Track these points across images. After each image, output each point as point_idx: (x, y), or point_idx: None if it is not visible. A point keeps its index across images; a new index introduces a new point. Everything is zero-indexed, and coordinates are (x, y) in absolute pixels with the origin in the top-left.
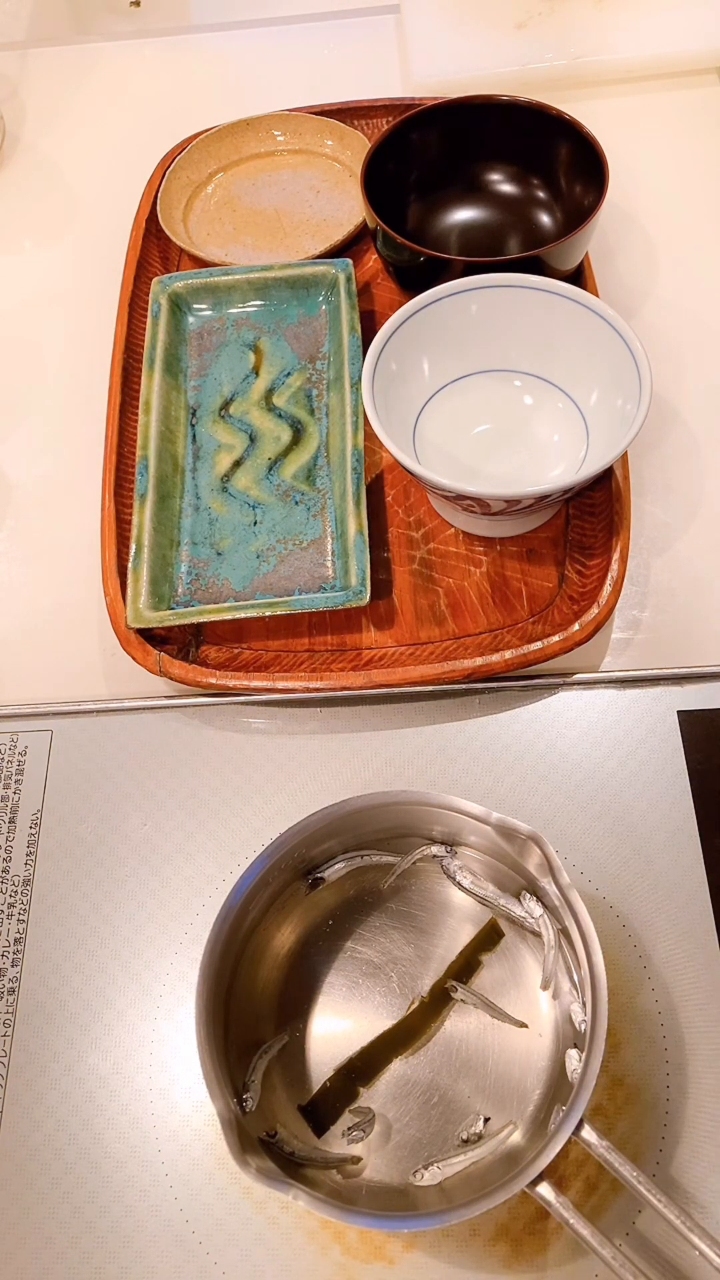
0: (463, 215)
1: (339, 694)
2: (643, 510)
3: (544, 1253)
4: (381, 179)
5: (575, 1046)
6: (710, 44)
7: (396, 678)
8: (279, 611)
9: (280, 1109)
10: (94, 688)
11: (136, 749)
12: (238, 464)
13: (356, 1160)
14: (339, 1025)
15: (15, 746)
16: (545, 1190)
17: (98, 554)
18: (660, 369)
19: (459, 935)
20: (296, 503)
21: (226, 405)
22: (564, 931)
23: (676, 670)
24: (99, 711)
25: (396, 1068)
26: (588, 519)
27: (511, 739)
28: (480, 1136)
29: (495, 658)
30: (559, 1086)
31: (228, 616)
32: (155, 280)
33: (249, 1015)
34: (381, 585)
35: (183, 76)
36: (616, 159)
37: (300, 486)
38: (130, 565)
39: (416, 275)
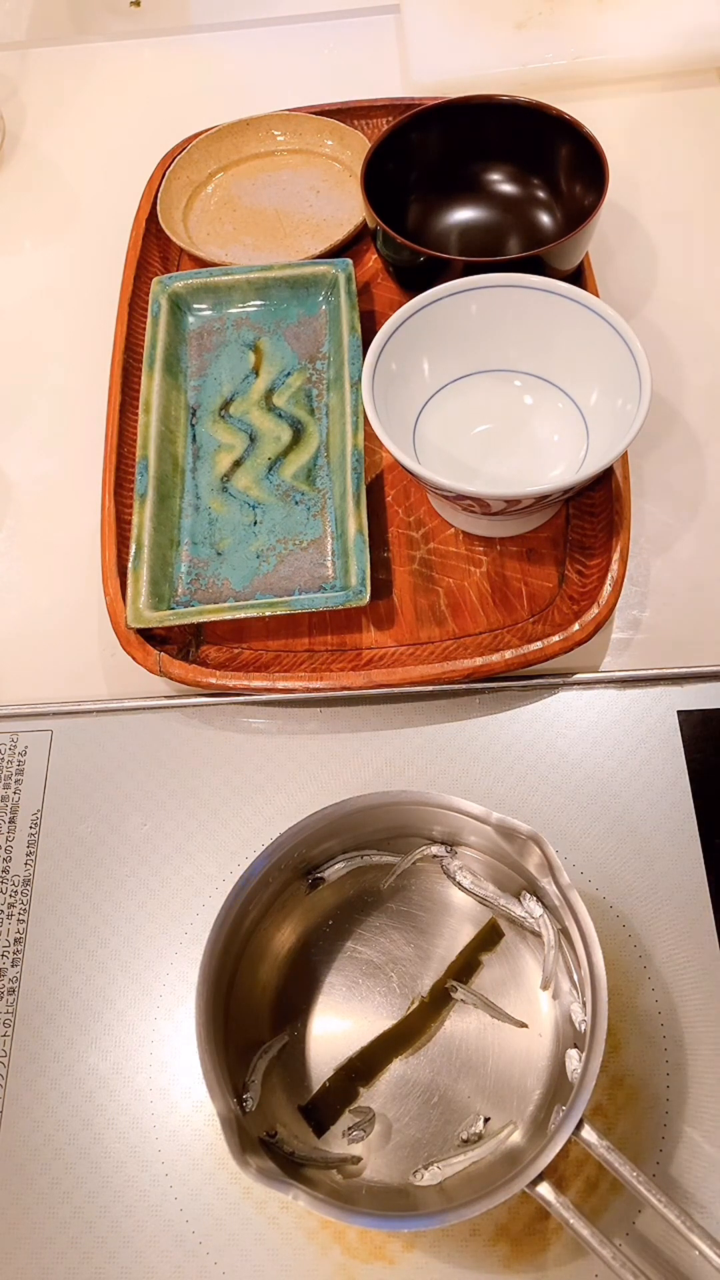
0: (463, 215)
1: (339, 694)
2: (643, 510)
3: (544, 1253)
4: (381, 179)
5: (575, 1046)
6: (710, 44)
7: (396, 678)
8: (279, 611)
9: (280, 1109)
10: (94, 688)
11: (136, 749)
12: (238, 464)
13: (356, 1160)
14: (339, 1025)
15: (15, 746)
16: (545, 1190)
17: (98, 554)
18: (660, 369)
19: (459, 935)
20: (296, 503)
21: (226, 405)
22: (564, 931)
23: (676, 670)
24: (99, 711)
25: (396, 1068)
26: (588, 519)
27: (511, 739)
28: (480, 1136)
29: (495, 658)
30: (559, 1086)
31: (228, 616)
32: (155, 280)
33: (249, 1015)
34: (381, 585)
35: (183, 76)
36: (616, 159)
37: (300, 486)
38: (130, 565)
39: (416, 275)
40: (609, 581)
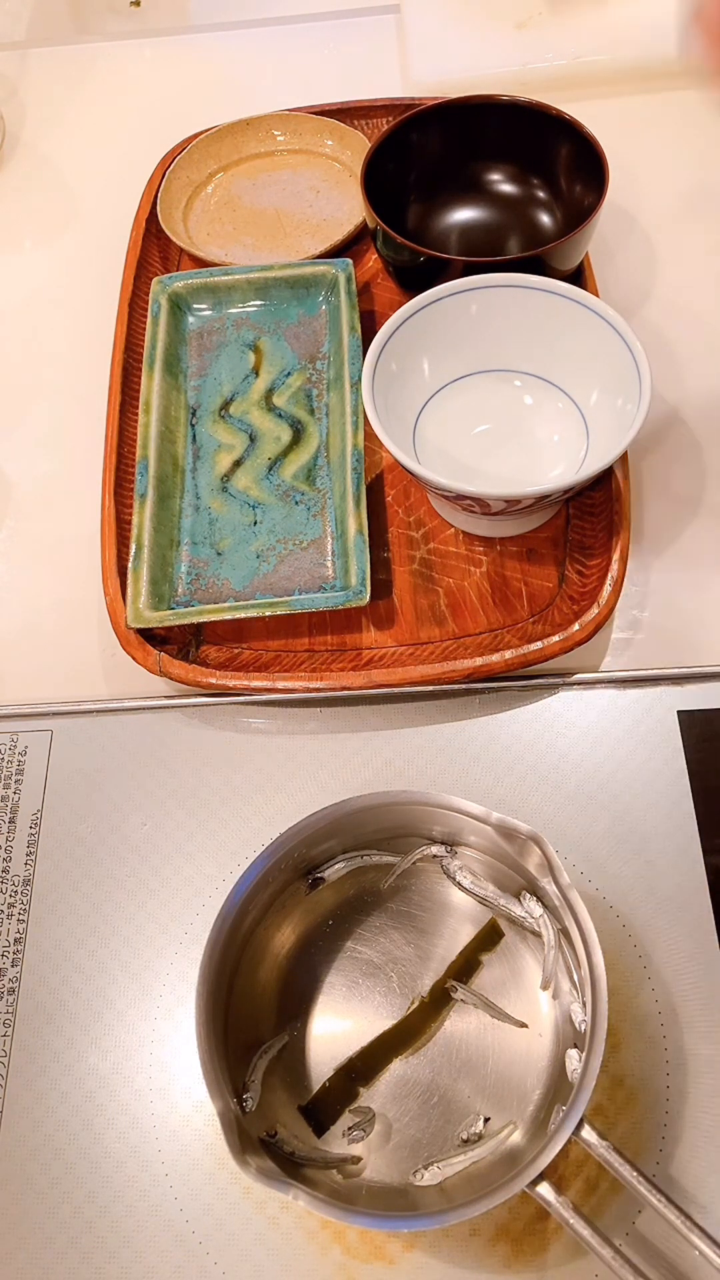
0: (463, 215)
1: (339, 694)
2: (643, 510)
3: (544, 1253)
4: (381, 179)
5: (575, 1046)
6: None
7: (396, 678)
8: (279, 611)
9: (280, 1109)
10: (94, 688)
11: (136, 749)
12: (238, 464)
13: (356, 1160)
14: (339, 1025)
15: (15, 746)
16: (545, 1190)
17: (98, 554)
18: (660, 369)
19: (459, 935)
20: (296, 503)
21: (226, 405)
22: (564, 931)
23: (676, 670)
24: (99, 711)
25: (396, 1068)
26: (588, 519)
27: (511, 739)
28: (480, 1136)
29: (495, 658)
30: (559, 1086)
31: (228, 616)
32: (155, 280)
33: (249, 1015)
34: (381, 585)
35: (183, 76)
36: (616, 159)
37: (300, 486)
38: (130, 565)
39: (416, 275)
40: (609, 581)
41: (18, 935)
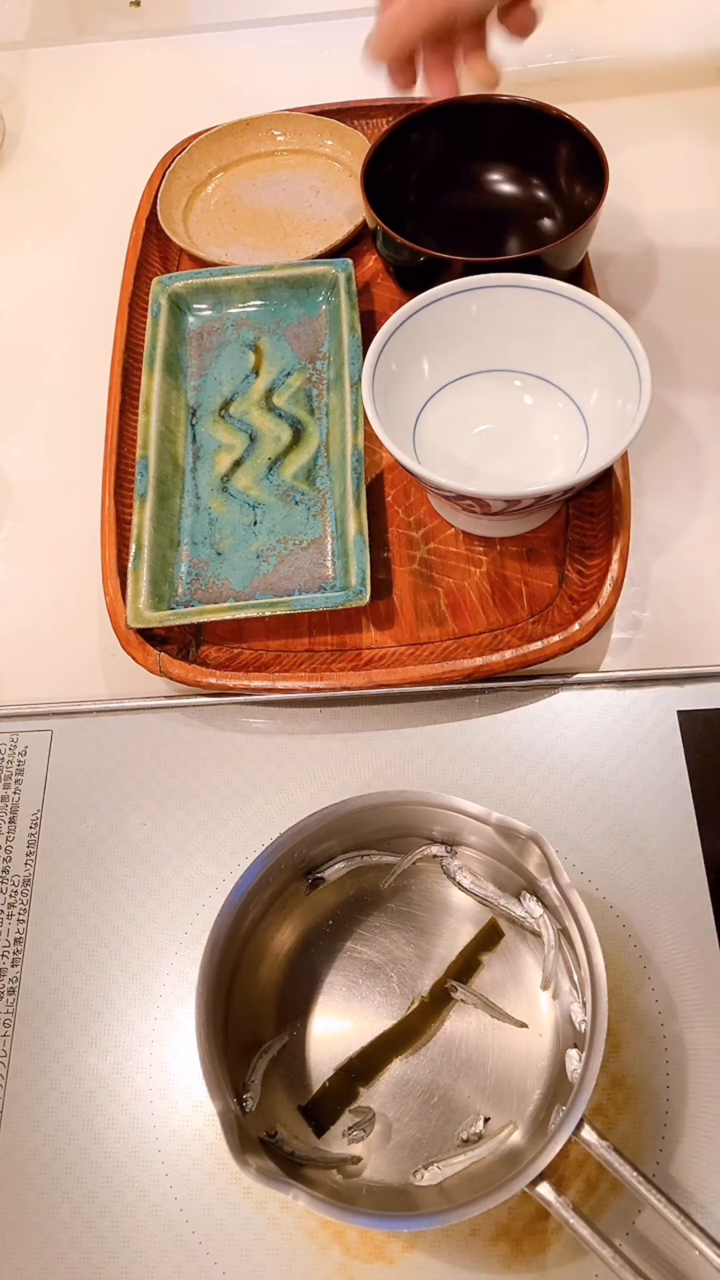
0: (463, 216)
1: (339, 694)
2: (643, 510)
3: (544, 1253)
4: (381, 179)
5: (575, 1046)
6: (710, 44)
7: (396, 678)
8: (279, 611)
9: (280, 1109)
10: (94, 688)
11: (136, 749)
12: (238, 464)
13: (356, 1160)
14: (339, 1025)
15: (15, 746)
16: (545, 1190)
17: (98, 554)
18: (660, 369)
19: (459, 935)
20: (296, 503)
21: (226, 405)
22: (564, 931)
23: (676, 670)
24: (99, 711)
25: (396, 1068)
26: (588, 519)
27: (511, 739)
28: (480, 1136)
29: (495, 658)
30: (559, 1086)
31: (228, 616)
32: (155, 280)
33: (249, 1015)
34: (381, 585)
35: (183, 76)
36: (616, 159)
37: (300, 486)
38: (130, 565)
39: (416, 275)
40: (609, 581)
41: (18, 935)
